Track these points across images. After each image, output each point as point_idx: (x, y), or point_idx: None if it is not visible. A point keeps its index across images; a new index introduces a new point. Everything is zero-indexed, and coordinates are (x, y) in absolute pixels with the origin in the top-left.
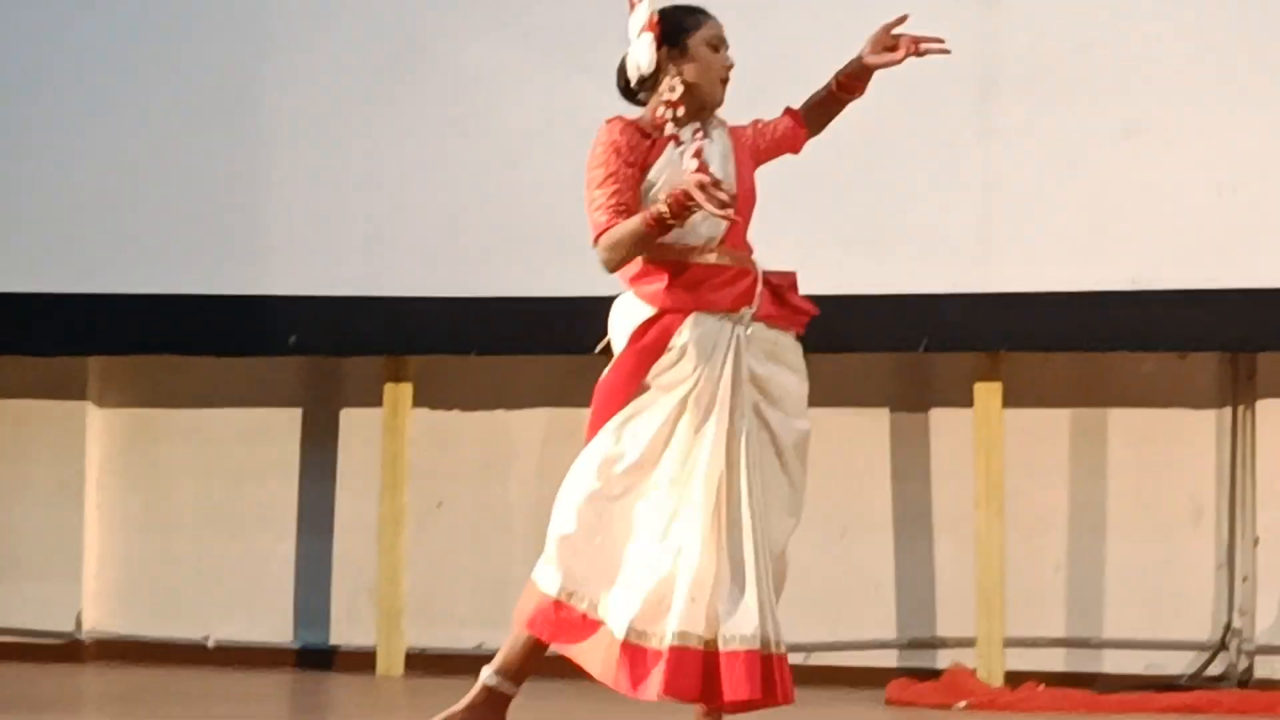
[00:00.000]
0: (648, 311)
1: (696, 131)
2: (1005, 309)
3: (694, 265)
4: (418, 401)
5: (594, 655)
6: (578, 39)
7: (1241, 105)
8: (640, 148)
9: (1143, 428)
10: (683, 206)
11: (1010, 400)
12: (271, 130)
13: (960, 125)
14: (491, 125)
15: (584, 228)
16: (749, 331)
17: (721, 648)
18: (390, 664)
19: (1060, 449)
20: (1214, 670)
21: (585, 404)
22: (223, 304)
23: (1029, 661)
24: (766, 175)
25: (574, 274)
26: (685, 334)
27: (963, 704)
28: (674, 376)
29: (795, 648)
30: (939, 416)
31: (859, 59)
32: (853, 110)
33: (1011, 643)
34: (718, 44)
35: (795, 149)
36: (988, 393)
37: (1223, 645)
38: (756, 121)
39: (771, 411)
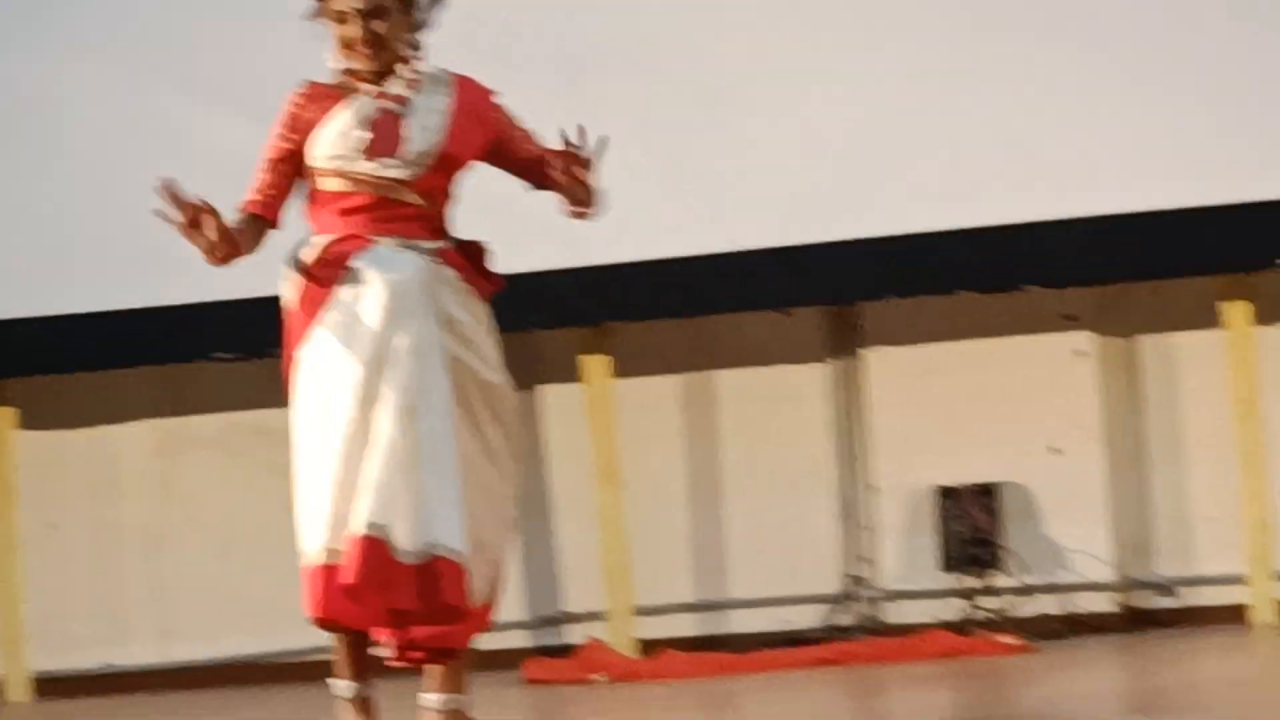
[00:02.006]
0: (323, 239)
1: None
2: (607, 280)
3: (373, 196)
4: (23, 424)
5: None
6: (150, 50)
7: (827, 66)
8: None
9: (753, 387)
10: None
11: (620, 371)
12: None
13: (546, 101)
14: (68, 140)
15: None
16: (436, 270)
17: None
18: (17, 690)
19: (673, 416)
20: (842, 620)
21: (193, 411)
22: None
23: (660, 629)
24: None
25: (168, 283)
26: (363, 257)
27: (601, 676)
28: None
29: None
30: (548, 393)
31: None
32: None
33: (641, 612)
34: (342, 16)
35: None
36: (594, 365)
37: (850, 595)
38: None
39: (461, 350)
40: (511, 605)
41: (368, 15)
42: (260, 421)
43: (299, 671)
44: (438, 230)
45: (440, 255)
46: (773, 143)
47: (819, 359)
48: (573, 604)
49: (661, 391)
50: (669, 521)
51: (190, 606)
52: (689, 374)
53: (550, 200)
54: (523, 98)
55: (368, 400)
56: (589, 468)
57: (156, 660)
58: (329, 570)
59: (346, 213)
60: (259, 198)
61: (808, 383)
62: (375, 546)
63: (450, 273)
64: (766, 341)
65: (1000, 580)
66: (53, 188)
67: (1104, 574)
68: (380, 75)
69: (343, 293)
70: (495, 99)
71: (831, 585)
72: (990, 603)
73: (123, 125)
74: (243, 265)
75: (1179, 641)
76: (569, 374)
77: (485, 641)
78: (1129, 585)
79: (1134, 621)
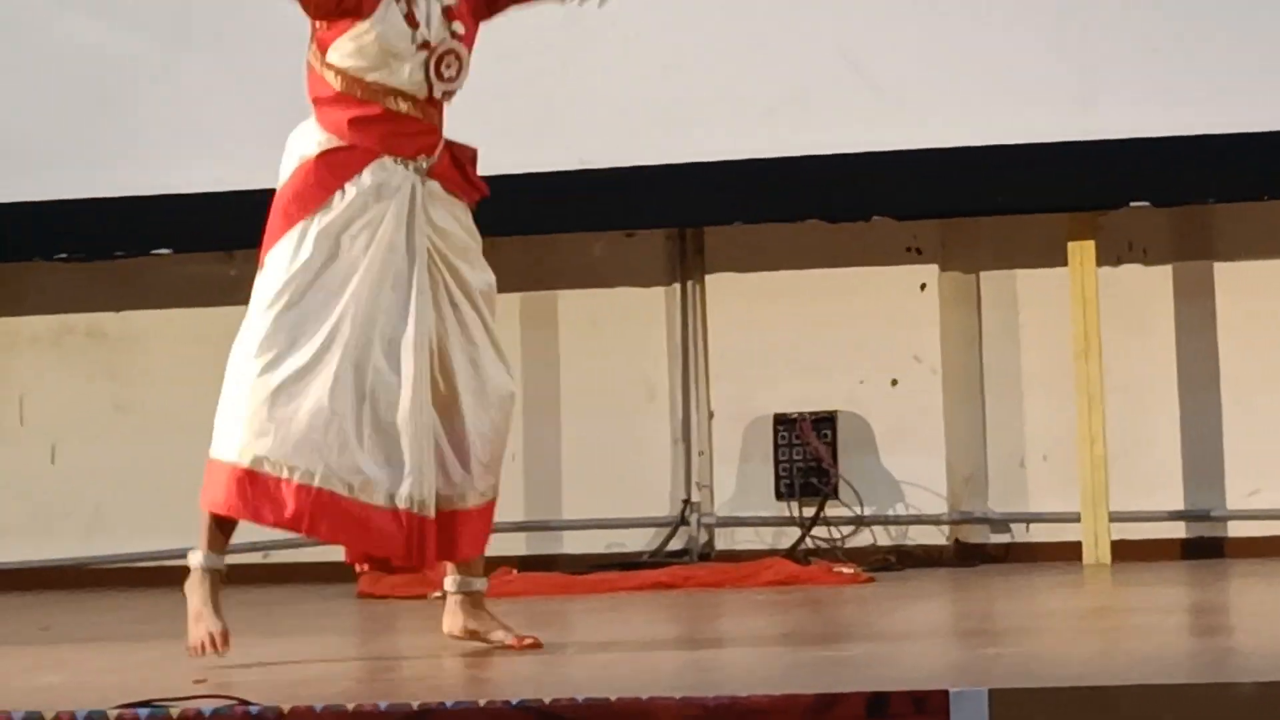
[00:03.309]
0: (331, 142)
1: None
2: None
3: (385, 109)
4: None
5: None
6: None
7: None
8: None
9: (593, 308)
10: None
11: None
12: None
13: None
14: None
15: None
16: (425, 185)
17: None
18: None
19: (511, 333)
20: (675, 545)
21: (26, 312)
22: None
23: (489, 548)
24: None
25: (8, 180)
26: (365, 177)
27: (437, 594)
28: (345, 215)
29: (253, 548)
30: None
31: None
32: None
33: None
34: None
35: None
36: None
37: (683, 520)
38: None
39: (458, 262)
40: None
41: None
42: (94, 324)
43: (121, 577)
44: (434, 143)
45: (433, 170)
46: (622, 60)
47: (661, 282)
48: None
49: (502, 308)
50: None
51: (16, 506)
52: (529, 293)
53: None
54: None
55: (340, 329)
56: None
57: None
58: (252, 475)
59: (356, 122)
60: None
61: (648, 305)
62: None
63: (436, 185)
64: (608, 262)
65: (834, 510)
66: None
67: (938, 507)
68: None
69: (336, 202)
70: None
71: (665, 510)
72: (823, 532)
73: None
74: (85, 167)
75: (1011, 577)
76: None
77: (316, 554)
78: (963, 519)
79: (966, 556)
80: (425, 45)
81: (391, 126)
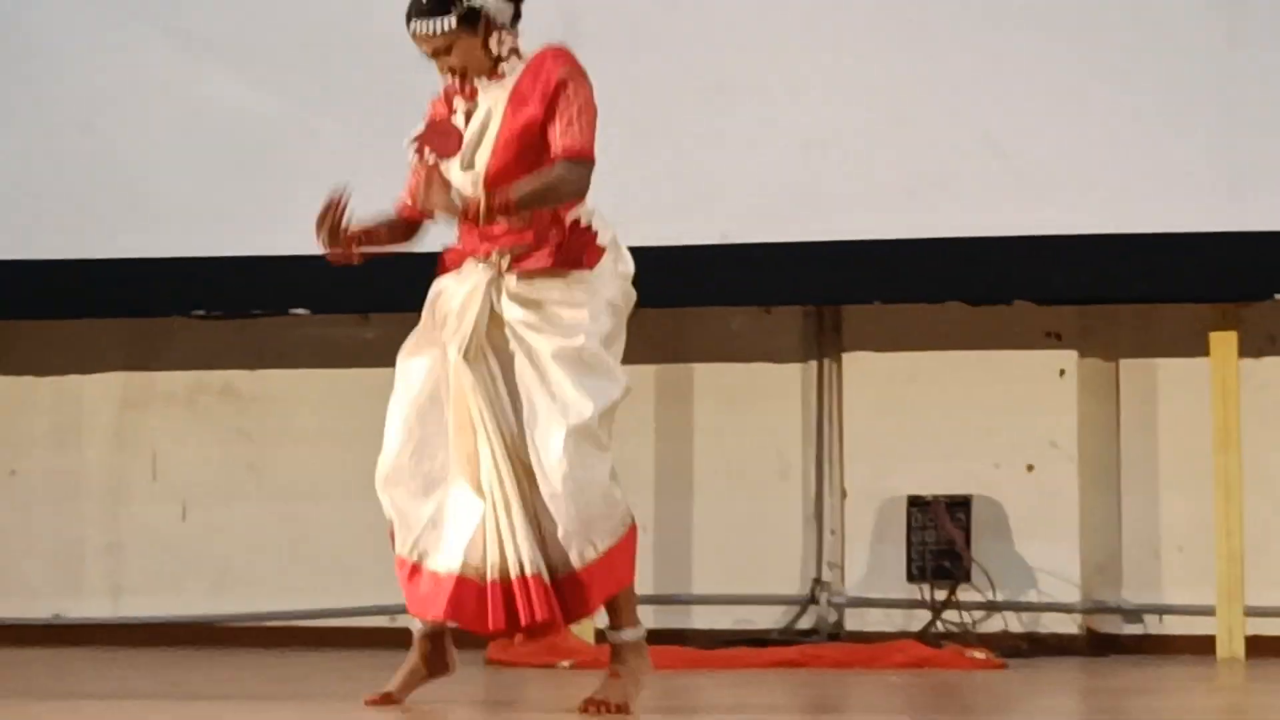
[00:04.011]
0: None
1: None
2: None
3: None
4: None
5: None
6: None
7: (829, 64)
8: None
9: (729, 383)
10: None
11: None
12: None
13: None
14: (64, 84)
15: (157, 189)
16: (503, 278)
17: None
18: None
19: (646, 406)
20: (804, 624)
21: (162, 368)
22: None
23: None
24: None
25: (148, 236)
26: (444, 282)
27: (567, 663)
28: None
29: (381, 611)
30: None
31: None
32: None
33: None
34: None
35: None
36: None
37: (812, 599)
38: (569, 108)
39: (530, 334)
40: None
41: (437, 56)
42: (227, 382)
43: (249, 636)
44: (521, 232)
45: (522, 260)
46: (767, 137)
47: (797, 359)
48: None
49: (637, 380)
50: (635, 511)
51: (146, 563)
52: (665, 365)
53: None
54: None
55: (424, 419)
56: None
57: (108, 614)
58: (412, 567)
59: (462, 222)
60: (406, 197)
61: (784, 382)
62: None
63: (517, 277)
64: (746, 337)
65: (966, 594)
66: (37, 132)
67: (1071, 595)
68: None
69: (434, 299)
70: (557, 75)
71: (796, 588)
72: (954, 616)
73: (107, 73)
74: (222, 225)
75: (1143, 668)
76: None
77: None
78: (1095, 608)
79: (1098, 645)
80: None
81: (475, 230)
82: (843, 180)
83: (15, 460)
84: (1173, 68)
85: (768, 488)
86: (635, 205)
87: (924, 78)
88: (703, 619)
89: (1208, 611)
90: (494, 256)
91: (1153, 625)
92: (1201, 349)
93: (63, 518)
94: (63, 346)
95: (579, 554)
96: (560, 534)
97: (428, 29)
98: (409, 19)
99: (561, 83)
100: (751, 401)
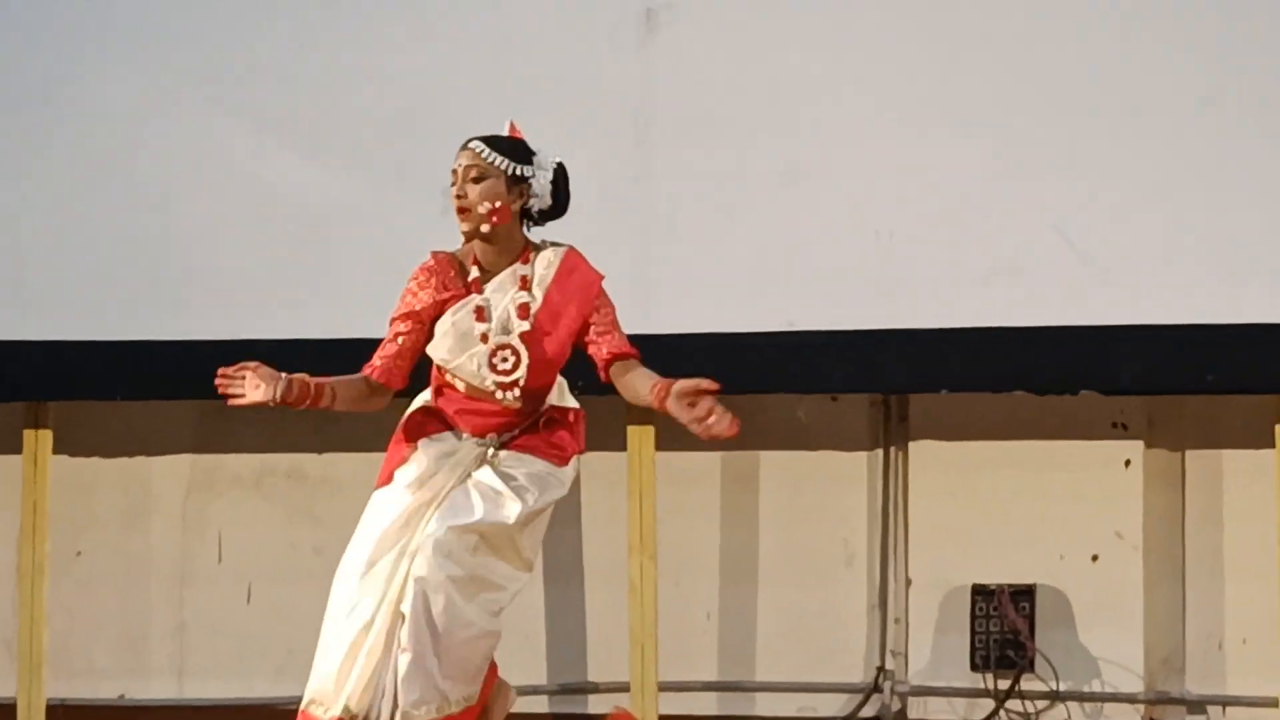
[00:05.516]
0: (420, 402)
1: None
2: (653, 351)
3: (465, 389)
4: (59, 449)
5: None
6: (223, 76)
7: (896, 151)
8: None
9: (795, 470)
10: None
11: (663, 444)
12: None
13: (618, 167)
14: (135, 165)
15: (226, 270)
16: (496, 456)
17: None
18: (31, 716)
19: (712, 492)
20: (867, 712)
21: (229, 450)
22: None
23: (682, 706)
24: None
25: (217, 317)
26: (434, 443)
27: None
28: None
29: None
30: (590, 460)
31: (666, 398)
32: None
33: (665, 687)
34: (454, 177)
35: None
36: (640, 436)
37: (876, 687)
38: (601, 313)
39: (491, 480)
40: (534, 670)
41: (466, 176)
42: (294, 465)
43: None
44: (510, 424)
45: (509, 444)
46: (835, 224)
47: (864, 447)
48: (597, 674)
49: (703, 466)
50: (699, 598)
51: (210, 645)
52: (731, 452)
53: (614, 269)
54: (590, 153)
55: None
56: (623, 537)
57: (172, 696)
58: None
59: (443, 395)
60: (377, 363)
61: (850, 470)
62: None
63: (510, 454)
64: (813, 425)
65: (1029, 684)
66: (106, 213)
67: (1134, 686)
68: (501, 252)
69: (410, 456)
70: (595, 289)
71: (859, 676)
72: (1017, 706)
73: (178, 153)
74: (289, 307)
75: None
76: (615, 443)
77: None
78: (1159, 700)
79: None
80: (484, 338)
81: (465, 405)
82: (910, 268)
83: (81, 541)
84: (1238, 159)
85: (833, 575)
86: (703, 292)
87: (992, 165)
88: (766, 706)
89: (1271, 704)
90: (490, 439)
91: (1216, 717)
92: (1268, 440)
93: (128, 599)
94: (130, 428)
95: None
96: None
97: (483, 151)
98: (473, 138)
99: (600, 292)
100: (817, 489)
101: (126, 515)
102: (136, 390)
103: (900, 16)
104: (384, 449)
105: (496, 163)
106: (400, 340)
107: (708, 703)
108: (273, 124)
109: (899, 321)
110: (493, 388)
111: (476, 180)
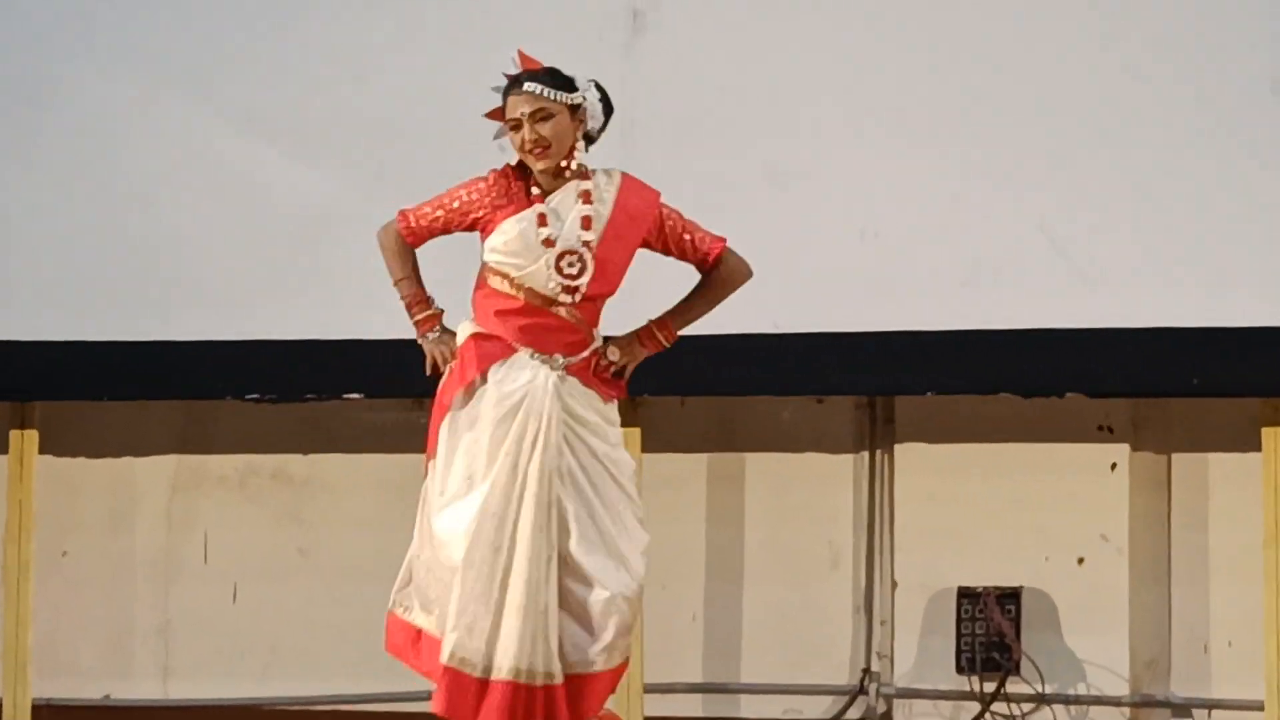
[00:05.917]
0: (477, 329)
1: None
2: None
3: (526, 303)
4: (45, 449)
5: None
6: (209, 77)
7: (883, 153)
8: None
9: (780, 472)
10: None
11: (648, 446)
12: None
13: (598, 159)
14: (123, 165)
15: (211, 270)
16: (565, 381)
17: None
18: (17, 716)
19: (698, 494)
20: (852, 714)
21: (214, 451)
22: None
23: (666, 708)
24: None
25: (202, 318)
26: (501, 368)
27: None
28: (481, 405)
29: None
30: None
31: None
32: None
33: (649, 689)
34: (517, 123)
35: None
36: (626, 438)
37: (861, 689)
38: (677, 225)
39: (595, 441)
40: None
41: (534, 119)
42: (279, 466)
43: (298, 719)
44: (578, 342)
45: (572, 368)
46: (820, 226)
47: (849, 450)
48: None
49: (689, 468)
50: (685, 599)
51: (196, 645)
52: (716, 454)
53: None
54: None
55: (491, 520)
56: None
57: (158, 696)
58: (455, 675)
59: (500, 314)
60: (414, 225)
61: (836, 472)
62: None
63: (574, 381)
64: (798, 427)
65: (1015, 686)
66: (93, 213)
67: (1119, 689)
68: (556, 176)
69: (479, 389)
70: (656, 203)
71: (844, 678)
72: (1003, 708)
73: (162, 153)
74: (276, 308)
75: None
76: None
77: None
78: (1144, 703)
79: None
80: (549, 242)
81: (530, 321)
82: (895, 270)
83: (67, 541)
84: (1227, 161)
85: (818, 577)
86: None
87: (977, 167)
88: (751, 708)
89: (1257, 707)
90: (556, 358)
91: None
92: (1253, 443)
93: (114, 599)
94: (115, 428)
95: (607, 659)
96: (600, 635)
97: (542, 90)
98: (521, 80)
99: (660, 212)
100: (803, 491)
101: (112, 515)
102: (123, 391)
103: (887, 19)
104: (368, 450)
105: (558, 98)
106: (441, 216)
107: (693, 704)
108: (261, 124)
109: (884, 324)
110: (558, 291)
111: (544, 119)
